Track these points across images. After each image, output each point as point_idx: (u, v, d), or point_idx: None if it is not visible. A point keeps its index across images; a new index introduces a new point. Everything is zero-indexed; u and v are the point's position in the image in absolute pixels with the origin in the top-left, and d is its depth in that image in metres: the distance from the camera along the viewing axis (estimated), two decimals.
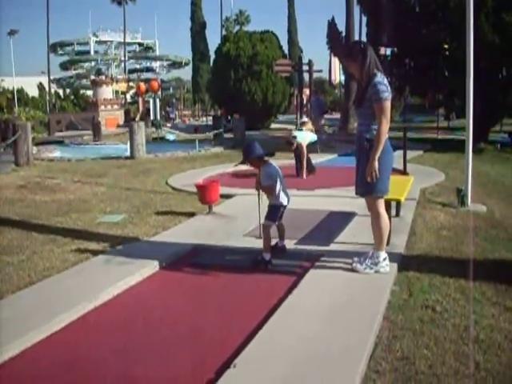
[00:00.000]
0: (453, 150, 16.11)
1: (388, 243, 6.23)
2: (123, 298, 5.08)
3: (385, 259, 5.33)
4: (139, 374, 3.64)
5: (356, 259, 5.44)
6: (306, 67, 30.54)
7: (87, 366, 3.79)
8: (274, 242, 6.04)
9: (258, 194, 6.10)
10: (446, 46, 20.08)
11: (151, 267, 5.79)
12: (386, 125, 5.00)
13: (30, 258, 6.24)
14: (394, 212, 7.14)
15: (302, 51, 62.19)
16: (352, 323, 4.19)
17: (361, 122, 5.30)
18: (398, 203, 7.31)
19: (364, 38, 30.53)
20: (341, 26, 31.65)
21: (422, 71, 20.88)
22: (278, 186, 5.87)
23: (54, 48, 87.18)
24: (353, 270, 5.35)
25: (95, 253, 6.38)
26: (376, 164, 5.03)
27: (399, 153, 13.58)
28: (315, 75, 31.16)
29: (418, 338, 3.99)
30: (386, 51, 23.72)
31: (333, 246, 6.31)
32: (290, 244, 6.36)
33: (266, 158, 6.04)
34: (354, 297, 4.75)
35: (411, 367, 3.56)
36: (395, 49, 22.96)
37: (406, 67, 22.84)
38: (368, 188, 5.22)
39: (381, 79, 5.06)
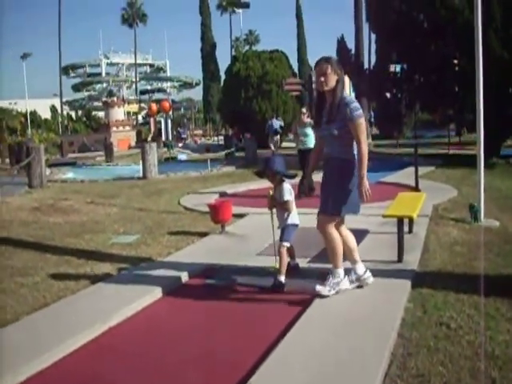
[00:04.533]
0: (465, 165, 16.06)
1: (401, 260, 6.24)
2: (137, 319, 5.09)
3: (345, 276, 5.27)
4: None
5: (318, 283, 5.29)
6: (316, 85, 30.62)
7: None
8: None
9: (272, 214, 6.06)
10: (455, 62, 20.12)
11: (164, 288, 5.80)
12: (365, 143, 4.90)
13: (45, 280, 6.28)
14: (406, 229, 7.12)
15: (312, 69, 62.41)
16: (366, 340, 4.18)
17: (332, 143, 5.10)
18: (411, 220, 7.30)
19: (373, 56, 30.67)
20: (350, 44, 31.80)
21: (432, 87, 20.90)
22: (294, 204, 5.88)
23: (65, 70, 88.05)
24: (361, 286, 5.37)
25: (109, 274, 6.41)
26: (367, 182, 4.85)
27: (411, 169, 13.63)
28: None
29: (432, 355, 3.97)
30: (395, 68, 23.80)
31: (346, 264, 6.28)
32: (303, 262, 6.36)
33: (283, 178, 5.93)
34: (368, 314, 4.74)
35: None
36: (405, 65, 23.04)
37: (416, 83, 22.88)
38: (327, 205, 5.08)
39: (352, 98, 5.04)
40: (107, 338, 4.68)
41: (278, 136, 25.50)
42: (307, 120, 12.54)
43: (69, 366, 4.17)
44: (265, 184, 11.16)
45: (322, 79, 4.97)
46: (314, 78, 31.14)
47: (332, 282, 5.19)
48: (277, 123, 25.70)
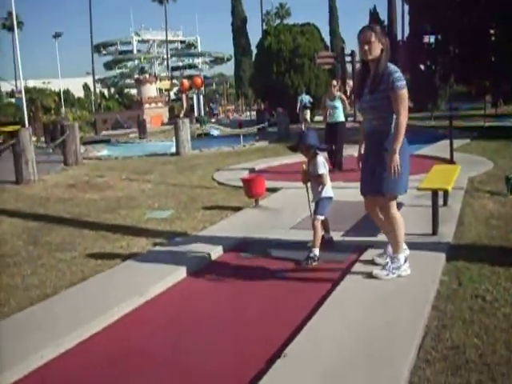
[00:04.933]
0: (501, 137, 15.82)
1: (436, 232, 6.20)
2: (173, 292, 5.17)
3: (406, 261, 5.03)
4: (191, 366, 3.72)
5: (381, 262, 5.18)
6: (348, 58, 30.41)
7: (140, 359, 3.89)
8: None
9: (307, 187, 6.06)
10: (491, 32, 19.71)
11: (200, 261, 5.88)
12: (405, 115, 4.68)
13: (82, 255, 6.40)
14: (441, 201, 7.07)
15: (344, 42, 61.75)
16: (401, 313, 4.18)
17: (372, 116, 4.90)
18: (446, 192, 7.24)
19: (406, 27, 30.20)
20: (383, 15, 31.35)
21: (467, 58, 20.52)
22: (328, 178, 5.87)
23: (97, 48, 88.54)
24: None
25: (144, 248, 6.51)
26: (397, 157, 4.64)
27: (445, 142, 13.46)
28: (358, 66, 30.93)
29: (467, 327, 3.96)
30: (429, 39, 23.43)
31: (380, 237, 6.24)
32: (337, 236, 6.36)
33: (317, 152, 5.92)
34: (403, 287, 4.73)
35: (461, 356, 3.54)
36: (439, 36, 22.66)
37: (451, 54, 22.49)
38: (383, 187, 4.80)
39: (395, 68, 4.78)
40: (144, 310, 4.77)
41: (309, 110, 25.42)
42: (337, 93, 12.40)
43: (107, 337, 4.27)
44: (298, 158, 11.18)
45: (366, 48, 4.75)
46: (346, 51, 30.85)
47: (391, 267, 4.98)
48: (306, 98, 25.63)
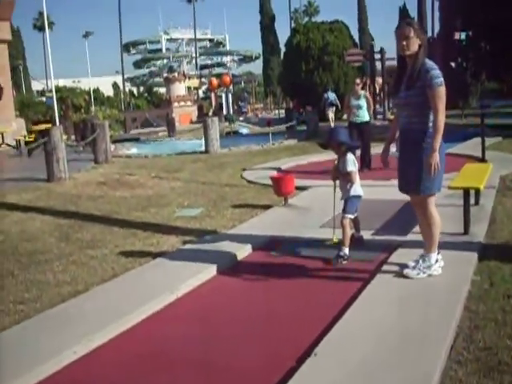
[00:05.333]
0: None
1: (467, 232, 6.14)
2: (203, 290, 5.19)
3: (437, 261, 4.97)
4: (220, 364, 3.73)
5: (411, 264, 5.04)
6: (378, 55, 30.21)
7: (171, 355, 3.92)
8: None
9: (335, 185, 6.04)
10: None
11: (230, 259, 5.90)
12: (443, 112, 4.62)
13: (113, 252, 6.46)
14: (472, 200, 6.99)
15: (373, 39, 61.34)
16: (432, 313, 4.15)
17: (408, 112, 4.84)
18: (477, 191, 7.16)
19: (436, 23, 29.90)
20: (412, 12, 31.09)
21: (499, 54, 20.25)
22: (358, 175, 5.84)
23: (126, 48, 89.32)
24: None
25: (174, 246, 6.55)
26: (437, 156, 4.59)
27: (477, 140, 13.30)
28: (387, 63, 30.77)
29: (500, 328, 3.91)
30: (460, 36, 23.17)
31: (410, 236, 6.22)
32: (367, 234, 6.33)
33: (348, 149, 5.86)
34: (434, 287, 4.69)
35: (494, 358, 3.50)
36: (470, 33, 22.40)
37: (482, 51, 22.22)
38: (419, 186, 4.77)
39: (433, 64, 4.72)
40: (175, 307, 4.80)
41: (334, 108, 25.36)
42: (361, 91, 12.20)
43: (138, 334, 4.31)
44: (327, 157, 11.17)
45: (404, 43, 4.69)
46: (375, 48, 30.63)
47: (422, 266, 4.93)
48: (332, 95, 25.57)
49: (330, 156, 6.02)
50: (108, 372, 3.73)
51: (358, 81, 12.51)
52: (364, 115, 12.00)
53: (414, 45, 4.69)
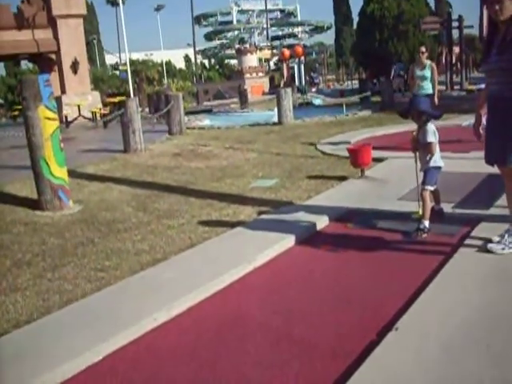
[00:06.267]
0: None
1: None
2: (280, 260, 5.17)
3: None
4: (299, 335, 3.70)
5: (496, 239, 4.83)
6: (455, 23, 29.24)
7: (249, 325, 3.92)
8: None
9: (416, 156, 5.85)
10: None
11: (306, 230, 5.85)
12: None
13: (190, 222, 6.51)
14: None
15: (451, 6, 59.31)
16: None
17: (500, 79, 4.55)
18: None
19: None
20: None
21: None
22: (438, 147, 5.64)
23: (198, 20, 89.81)
24: None
25: (251, 217, 6.54)
26: None
27: None
28: (465, 31, 29.79)
29: None
30: None
31: (493, 210, 5.98)
32: (447, 208, 6.13)
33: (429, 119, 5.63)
34: None
35: None
36: None
37: None
38: (509, 156, 4.50)
39: None
40: (252, 277, 4.80)
41: (402, 79, 24.94)
42: (427, 61, 11.45)
43: (217, 303, 4.33)
44: (402, 128, 10.94)
45: (497, 7, 4.38)
46: (452, 16, 29.62)
47: (508, 241, 4.73)
48: (401, 66, 25.20)
49: (405, 127, 5.86)
50: (187, 339, 3.76)
51: (423, 49, 11.71)
52: (429, 87, 11.28)
53: (509, 8, 4.38)
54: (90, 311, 4.15)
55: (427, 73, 11.27)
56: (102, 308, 4.20)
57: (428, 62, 11.42)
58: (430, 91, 11.26)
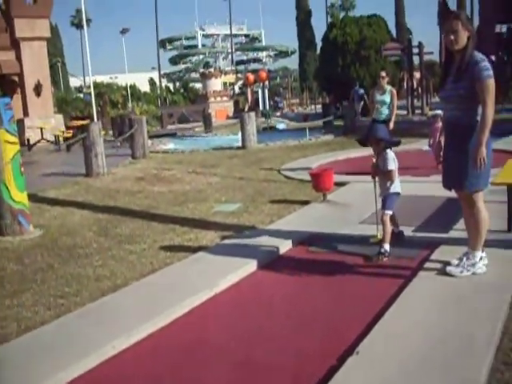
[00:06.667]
0: None
1: (511, 229, 5.99)
2: (242, 286, 5.16)
3: (481, 259, 4.84)
4: (259, 360, 3.70)
5: (455, 262, 4.92)
6: (415, 50, 29.85)
7: (210, 350, 3.90)
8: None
9: (375, 182, 5.94)
10: None
11: (269, 255, 5.86)
12: (492, 106, 4.46)
13: (152, 247, 6.47)
14: None
15: (411, 33, 60.54)
16: (477, 312, 4.04)
17: (455, 105, 4.69)
18: None
19: (476, 16, 29.42)
20: (452, 5, 30.64)
21: None
22: (397, 173, 5.73)
23: (163, 44, 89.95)
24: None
25: (213, 241, 6.53)
26: (484, 150, 4.46)
27: None
28: (425, 57, 30.40)
29: None
30: (501, 29, 22.75)
31: (452, 233, 6.09)
32: (407, 231, 6.21)
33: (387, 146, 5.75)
34: (478, 285, 4.57)
35: None
36: (511, 26, 21.99)
37: None
38: (465, 182, 4.64)
39: (482, 56, 4.57)
40: (214, 302, 4.79)
41: (362, 103, 25.35)
42: (387, 86, 11.19)
43: (178, 328, 4.29)
44: (365, 152, 11.03)
45: (452, 37, 4.56)
46: (413, 43, 30.23)
47: (466, 264, 4.81)
48: (361, 90, 25.67)
49: (368, 151, 5.97)
50: (147, 367, 3.72)
51: (383, 73, 11.44)
52: (388, 112, 11.07)
53: (463, 38, 4.56)
54: (48, 339, 4.09)
55: (387, 98, 11.09)
56: (61, 336, 4.13)
57: (388, 87, 11.25)
58: (389, 116, 11.09)
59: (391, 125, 10.83)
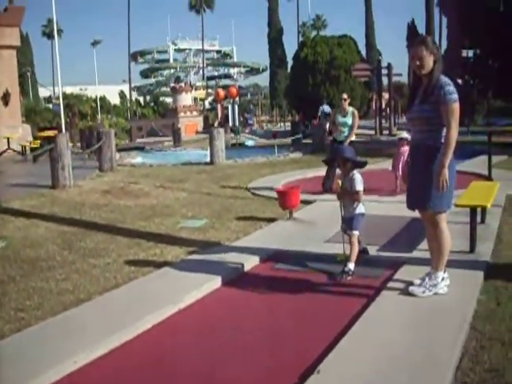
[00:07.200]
0: None
1: (473, 250, 6.10)
2: (206, 302, 5.15)
3: (443, 279, 4.92)
4: (222, 377, 3.69)
5: (417, 282, 4.98)
6: (385, 71, 30.28)
7: (173, 367, 3.88)
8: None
9: (341, 203, 5.92)
10: None
11: (233, 271, 5.87)
12: (456, 129, 4.58)
13: (116, 261, 6.43)
14: (479, 219, 6.94)
15: (380, 54, 61.38)
16: (437, 332, 4.10)
17: (420, 127, 4.79)
18: (484, 209, 7.11)
19: (444, 41, 29.96)
20: (420, 29, 31.17)
21: (507, 72, 20.27)
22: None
23: (134, 57, 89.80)
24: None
25: (178, 257, 6.51)
26: (446, 172, 4.57)
27: (482, 158, 13.25)
28: (394, 79, 30.82)
29: (507, 349, 3.86)
30: (467, 53, 23.20)
31: (416, 253, 6.18)
32: (372, 250, 6.29)
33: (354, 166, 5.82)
34: (439, 305, 4.64)
35: (500, 380, 3.45)
36: (477, 50, 22.44)
37: (489, 69, 22.26)
38: (428, 202, 4.74)
39: (448, 80, 4.69)
40: (178, 318, 4.77)
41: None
42: (349, 108, 10.93)
43: (140, 345, 4.26)
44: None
45: (418, 63, 4.66)
46: (382, 64, 30.65)
47: (428, 284, 4.88)
48: (328, 108, 26.00)
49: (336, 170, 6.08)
50: (109, 383, 3.69)
51: (345, 96, 11.21)
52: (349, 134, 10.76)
53: (429, 63, 4.67)
54: (7, 354, 4.01)
55: (349, 120, 10.81)
56: (20, 350, 4.07)
57: (350, 109, 10.97)
58: (353, 138, 10.89)
59: (346, 142, 10.54)
